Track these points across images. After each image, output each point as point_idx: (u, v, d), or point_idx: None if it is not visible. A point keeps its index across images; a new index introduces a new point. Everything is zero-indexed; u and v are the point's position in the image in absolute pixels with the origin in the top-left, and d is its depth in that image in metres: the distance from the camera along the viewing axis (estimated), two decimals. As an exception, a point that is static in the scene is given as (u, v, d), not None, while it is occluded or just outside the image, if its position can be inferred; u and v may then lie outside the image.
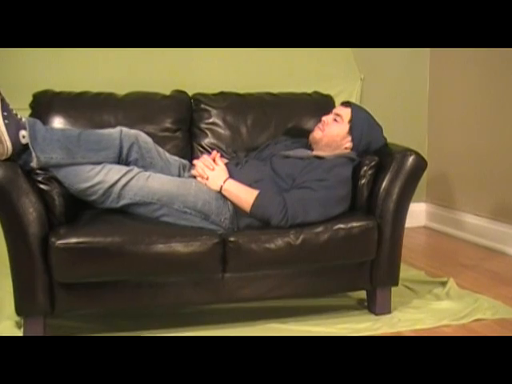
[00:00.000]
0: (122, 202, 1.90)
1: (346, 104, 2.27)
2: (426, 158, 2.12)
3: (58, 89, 2.35)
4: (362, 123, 2.20)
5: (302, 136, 2.38)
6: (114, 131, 1.99)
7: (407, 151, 2.09)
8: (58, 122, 2.23)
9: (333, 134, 2.19)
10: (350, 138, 2.19)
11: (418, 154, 2.09)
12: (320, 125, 2.23)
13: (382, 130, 2.25)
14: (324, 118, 2.23)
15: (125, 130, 2.02)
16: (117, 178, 1.88)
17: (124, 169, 1.91)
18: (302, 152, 2.20)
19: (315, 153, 2.19)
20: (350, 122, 2.19)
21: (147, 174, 1.94)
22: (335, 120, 2.21)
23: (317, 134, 2.22)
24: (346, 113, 2.21)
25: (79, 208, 1.97)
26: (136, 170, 1.93)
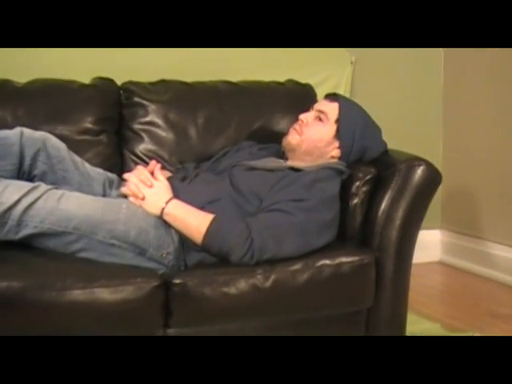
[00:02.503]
0: (24, 232, 1.89)
1: (331, 97, 2.31)
2: (440, 169, 2.18)
3: None
4: (354, 123, 2.24)
5: (272, 141, 2.43)
6: (12, 133, 2.00)
7: (415, 161, 2.14)
8: None
9: (314, 137, 2.23)
10: (337, 144, 2.24)
11: (429, 165, 2.14)
12: (297, 126, 2.27)
13: (380, 133, 2.30)
14: (302, 117, 2.27)
15: (27, 131, 2.03)
16: (16, 198, 1.87)
17: (26, 186, 1.91)
18: (273, 162, 2.23)
19: (291, 163, 2.22)
20: (338, 121, 2.23)
21: (59, 192, 1.93)
22: (318, 119, 2.25)
23: (293, 138, 2.25)
24: (333, 109, 2.25)
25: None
26: (43, 186, 1.92)
